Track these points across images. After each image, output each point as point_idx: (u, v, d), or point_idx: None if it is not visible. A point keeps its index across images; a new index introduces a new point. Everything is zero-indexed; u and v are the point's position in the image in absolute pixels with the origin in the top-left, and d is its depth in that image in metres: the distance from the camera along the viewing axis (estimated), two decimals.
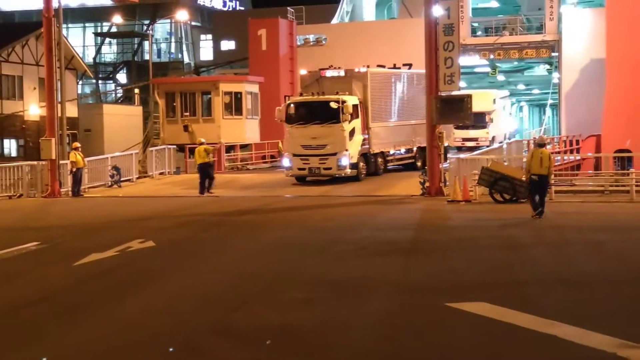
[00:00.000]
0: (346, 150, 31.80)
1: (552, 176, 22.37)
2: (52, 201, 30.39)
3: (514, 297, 11.56)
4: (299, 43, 55.19)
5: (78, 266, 14.94)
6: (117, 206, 28.05)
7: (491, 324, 10.07)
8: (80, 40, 74.79)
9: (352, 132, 32.10)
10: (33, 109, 51.17)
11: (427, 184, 27.90)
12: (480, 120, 47.43)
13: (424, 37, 28.48)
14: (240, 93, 43.33)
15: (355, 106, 32.28)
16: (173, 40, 75.56)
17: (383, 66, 37.55)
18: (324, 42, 55.87)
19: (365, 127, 33.29)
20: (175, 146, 41.08)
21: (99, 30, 75.85)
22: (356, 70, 34.02)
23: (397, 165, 36.86)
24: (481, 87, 59.86)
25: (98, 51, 75.35)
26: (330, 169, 31.92)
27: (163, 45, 75.89)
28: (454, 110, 28.22)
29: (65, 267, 14.95)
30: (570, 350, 9.01)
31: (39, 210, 27.46)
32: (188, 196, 30.68)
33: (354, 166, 32.22)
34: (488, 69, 59.36)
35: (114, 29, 74.49)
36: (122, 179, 35.40)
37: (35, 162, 32.92)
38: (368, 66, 36.22)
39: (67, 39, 53.84)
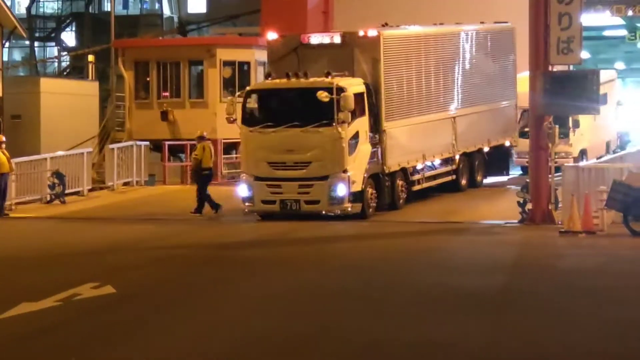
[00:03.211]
0: (344, 170, 28.73)
1: None
2: None
3: None
4: None
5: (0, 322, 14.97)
6: (59, 232, 28.25)
7: None
8: None
9: (354, 139, 29.14)
10: None
11: (528, 206, 27.74)
12: None
13: None
14: (248, 63, 43.29)
15: (359, 96, 29.18)
16: None
17: (442, 24, 35.70)
18: None
19: (377, 130, 30.44)
20: (148, 142, 41.26)
21: None
22: (360, 33, 30.58)
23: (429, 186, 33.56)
24: (613, 58, 59.41)
25: None
26: (317, 202, 28.77)
27: None
28: (572, 93, 28.06)
29: None
30: None
31: None
32: (168, 219, 30.88)
33: (357, 197, 28.93)
34: (624, 32, 59.11)
35: None
36: (66, 191, 35.53)
37: None
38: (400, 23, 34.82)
39: None
